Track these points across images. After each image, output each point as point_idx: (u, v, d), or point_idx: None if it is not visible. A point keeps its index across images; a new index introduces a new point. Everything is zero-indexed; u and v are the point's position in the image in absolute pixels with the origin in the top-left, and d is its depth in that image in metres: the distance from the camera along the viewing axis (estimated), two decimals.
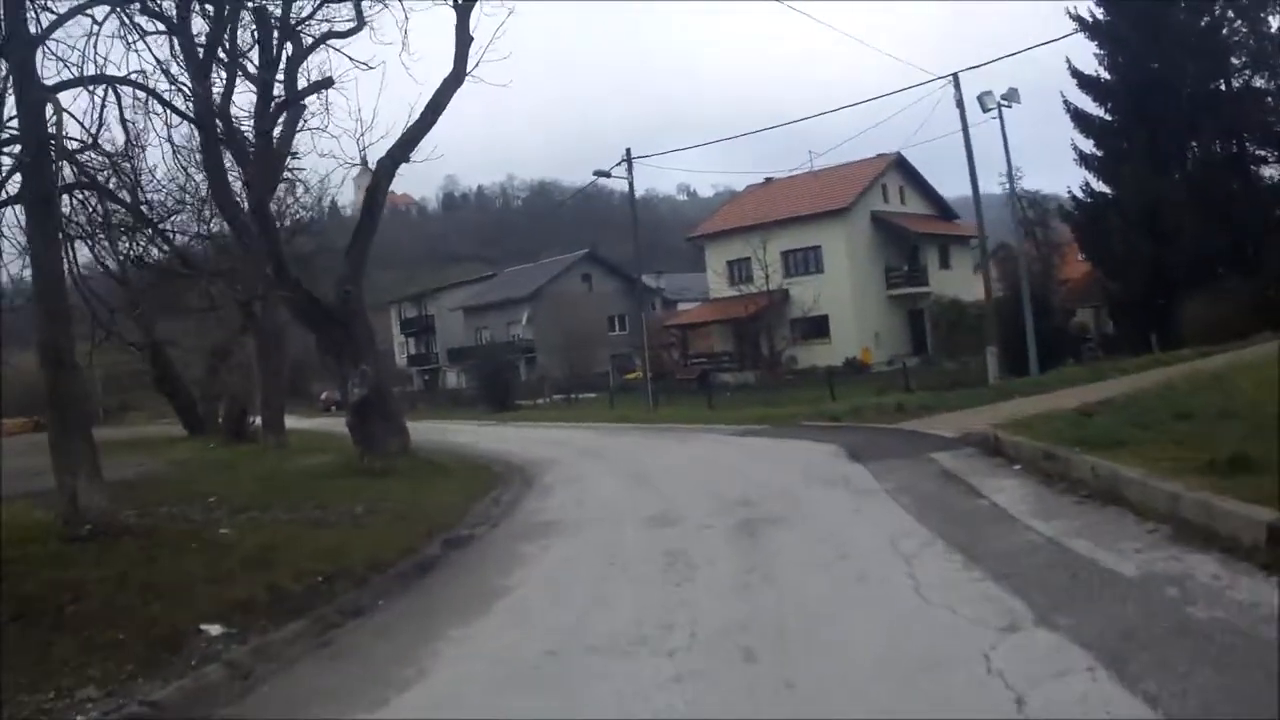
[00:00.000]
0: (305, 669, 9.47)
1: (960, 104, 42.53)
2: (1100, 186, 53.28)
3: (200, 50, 22.34)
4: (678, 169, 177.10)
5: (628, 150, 51.06)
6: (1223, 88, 51.45)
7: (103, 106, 17.75)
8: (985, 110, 42.27)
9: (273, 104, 26.01)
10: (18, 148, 16.20)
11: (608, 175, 50.76)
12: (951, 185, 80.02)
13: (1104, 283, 55.23)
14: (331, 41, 25.95)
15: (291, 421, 47.59)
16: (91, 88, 17.68)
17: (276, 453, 34.88)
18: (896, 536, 12.35)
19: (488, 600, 11.57)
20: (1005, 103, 42.30)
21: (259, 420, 43.56)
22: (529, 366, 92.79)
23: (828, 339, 70.56)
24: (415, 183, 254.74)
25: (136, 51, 25.65)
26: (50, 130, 15.09)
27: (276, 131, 26.08)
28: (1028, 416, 21.74)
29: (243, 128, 25.52)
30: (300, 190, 42.82)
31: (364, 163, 28.39)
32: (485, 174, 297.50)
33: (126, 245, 28.48)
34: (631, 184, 51.82)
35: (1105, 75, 52.58)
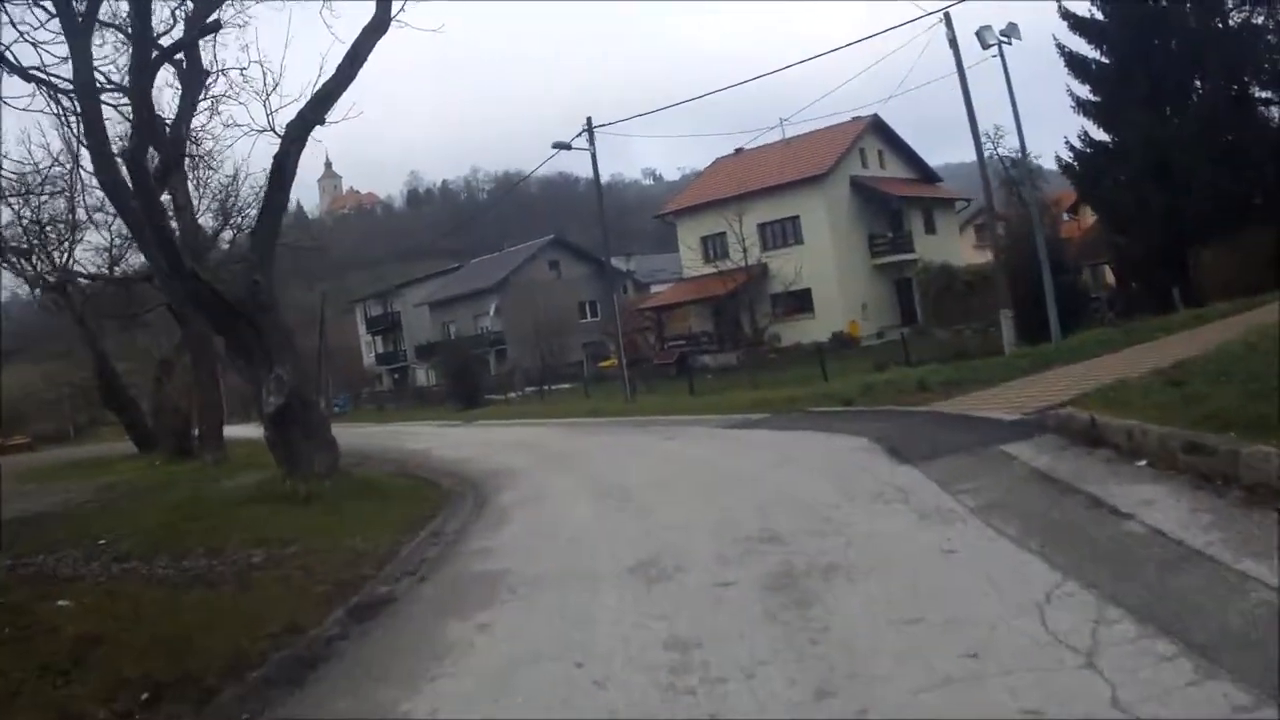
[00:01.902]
0: None
1: (954, 43, 38.23)
2: (1100, 135, 48.69)
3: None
4: (643, 137, 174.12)
5: (588, 119, 46.97)
6: (1219, 26, 46.78)
7: None
8: (986, 47, 37.93)
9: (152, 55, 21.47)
10: None
11: (568, 147, 46.35)
12: (932, 153, 76.69)
13: (1110, 237, 50.84)
14: None
15: (249, 431, 44.29)
16: None
17: (213, 470, 31.79)
18: (1037, 603, 7.63)
19: None
20: (1005, 38, 37.94)
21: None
22: (499, 359, 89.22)
23: (812, 314, 66.74)
24: (379, 181, 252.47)
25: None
26: None
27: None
28: (1100, 389, 17.44)
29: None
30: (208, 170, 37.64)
31: (271, 128, 24.00)
32: (449, 168, 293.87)
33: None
34: (594, 155, 47.22)
35: (1099, 15, 47.94)
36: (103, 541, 16.77)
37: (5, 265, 43.43)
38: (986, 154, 70.97)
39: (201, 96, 24.92)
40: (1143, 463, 11.75)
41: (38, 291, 48.58)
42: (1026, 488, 12.13)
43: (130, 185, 20.52)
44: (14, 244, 42.41)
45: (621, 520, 14.39)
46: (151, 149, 22.58)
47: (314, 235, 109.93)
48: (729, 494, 15.21)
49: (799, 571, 9.64)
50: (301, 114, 22.18)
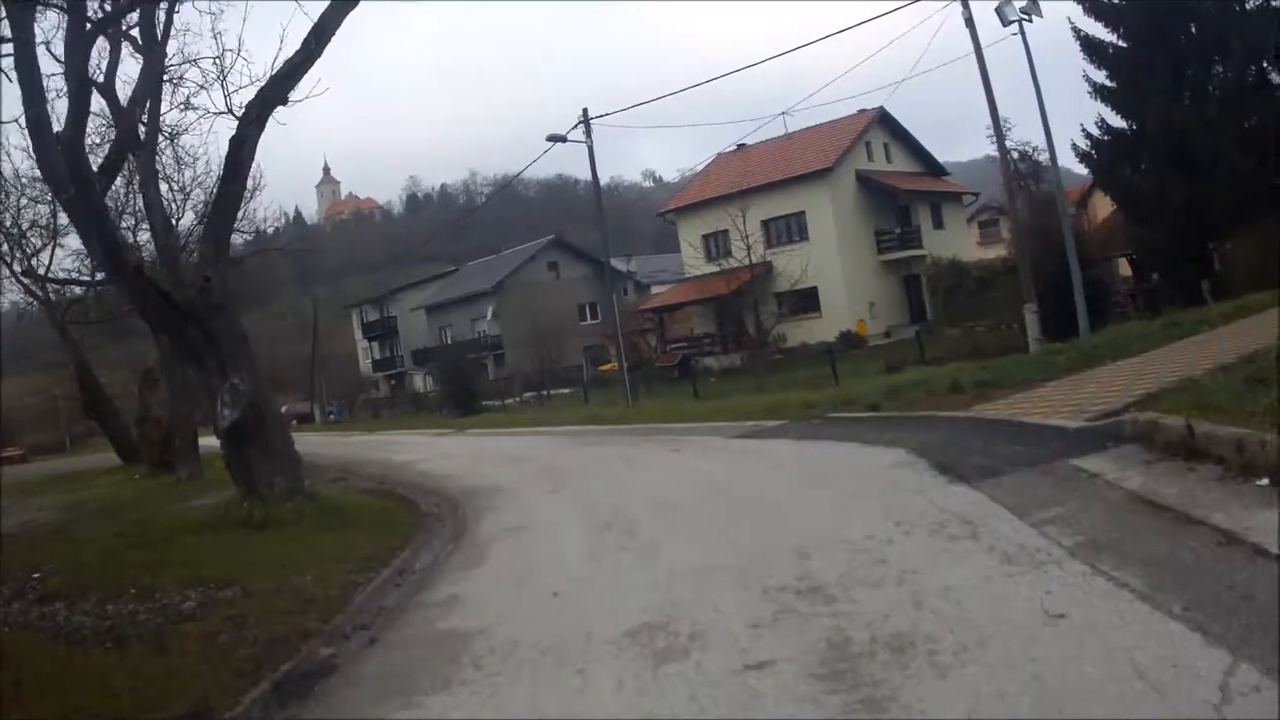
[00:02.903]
0: None
1: (970, 21, 36.16)
2: (1118, 122, 46.20)
3: None
4: (641, 129, 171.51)
5: (584, 110, 44.71)
6: (1239, 8, 44.36)
7: None
8: (1006, 24, 35.96)
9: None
10: None
11: (563, 139, 43.89)
12: (936, 152, 74.57)
13: (1130, 228, 48.41)
14: None
15: None
16: None
17: (185, 486, 29.97)
18: (1214, 704, 5.21)
19: None
20: (1025, 15, 36.05)
21: None
22: (497, 364, 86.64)
23: (818, 313, 64.49)
24: (378, 187, 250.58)
25: None
26: None
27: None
28: (1166, 389, 15.57)
29: None
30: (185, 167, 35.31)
31: (229, 110, 21.99)
32: (448, 173, 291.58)
33: None
34: (591, 149, 44.72)
35: None
36: (37, 575, 15.13)
37: None
38: (993, 147, 70.00)
39: (164, 78, 22.44)
40: (1264, 481, 9.22)
41: (20, 299, 46.41)
42: (1129, 518, 9.53)
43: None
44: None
45: (621, 561, 11.77)
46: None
47: (309, 240, 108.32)
48: (752, 525, 12.67)
49: (858, 647, 7.06)
50: (261, 93, 19.81)
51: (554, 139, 43.84)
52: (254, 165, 20.91)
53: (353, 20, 19.45)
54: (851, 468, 16.03)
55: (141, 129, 21.99)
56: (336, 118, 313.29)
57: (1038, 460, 13.15)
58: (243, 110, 19.99)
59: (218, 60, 25.11)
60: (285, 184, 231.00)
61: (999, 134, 39.60)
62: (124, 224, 38.69)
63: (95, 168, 20.59)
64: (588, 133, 43.93)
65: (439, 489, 22.66)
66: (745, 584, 9.48)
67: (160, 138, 24.59)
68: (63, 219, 37.84)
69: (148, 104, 21.47)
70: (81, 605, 12.82)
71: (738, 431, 24.67)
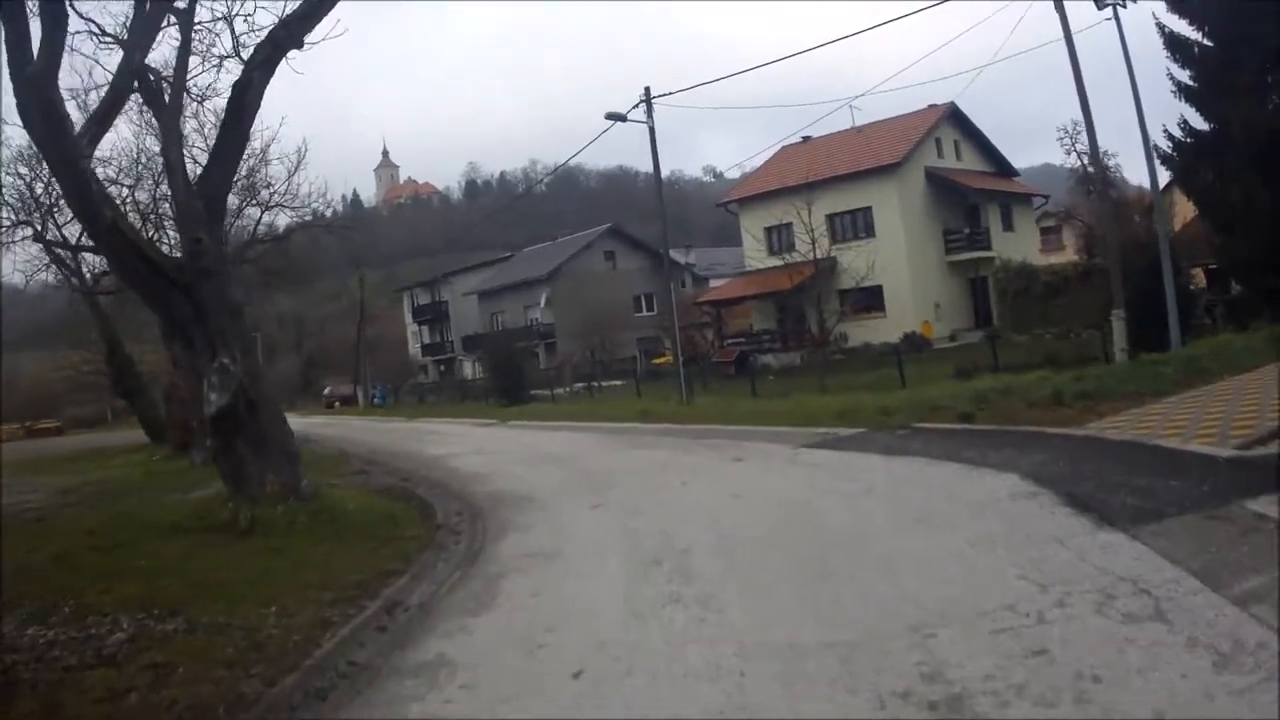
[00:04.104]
0: None
1: (1060, 6, 32.85)
2: (1201, 124, 42.92)
3: None
4: (703, 109, 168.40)
5: (646, 89, 41.50)
6: None
7: None
8: (1101, 7, 32.92)
9: None
10: None
11: (623, 118, 40.85)
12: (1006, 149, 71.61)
13: (1212, 236, 45.21)
14: None
15: None
16: None
17: (198, 471, 27.04)
18: None
19: None
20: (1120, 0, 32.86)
21: None
22: (548, 352, 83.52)
23: (882, 312, 60.89)
24: (437, 172, 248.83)
25: None
26: None
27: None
28: None
29: None
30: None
31: (236, 53, 19.34)
32: (508, 161, 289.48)
33: None
34: (653, 130, 41.69)
35: None
36: None
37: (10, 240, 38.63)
38: (1065, 151, 67.19)
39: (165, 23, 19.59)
40: None
41: (47, 273, 43.81)
42: None
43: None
44: (23, 218, 37.93)
45: (672, 624, 8.73)
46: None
47: (364, 223, 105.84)
48: (848, 578, 9.62)
49: None
50: (272, 35, 17.19)
51: (613, 117, 40.90)
52: (301, 141, 18.08)
53: (417, 11, 16.62)
54: (960, 497, 12.90)
55: (167, 90, 19.29)
56: (397, 103, 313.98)
57: (1201, 501, 10.37)
58: (253, 50, 17.39)
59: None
60: (343, 167, 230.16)
61: (1089, 126, 36.59)
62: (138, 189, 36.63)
63: (89, 113, 17.94)
64: (649, 112, 40.96)
65: (464, 492, 19.82)
66: (851, 683, 6.55)
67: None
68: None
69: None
70: (3, 625, 10.42)
71: (808, 440, 21.39)
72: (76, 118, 17.64)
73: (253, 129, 19.08)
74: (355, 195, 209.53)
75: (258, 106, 17.15)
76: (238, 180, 37.53)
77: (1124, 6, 33.11)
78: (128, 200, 35.94)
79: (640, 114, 41.08)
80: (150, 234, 33.26)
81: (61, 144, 15.38)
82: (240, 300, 17.59)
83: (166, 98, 19.08)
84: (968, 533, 10.76)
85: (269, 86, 17.13)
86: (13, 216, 37.76)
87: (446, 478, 22.96)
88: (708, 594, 9.47)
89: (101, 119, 17.83)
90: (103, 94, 19.12)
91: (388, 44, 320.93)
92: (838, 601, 8.73)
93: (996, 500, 12.27)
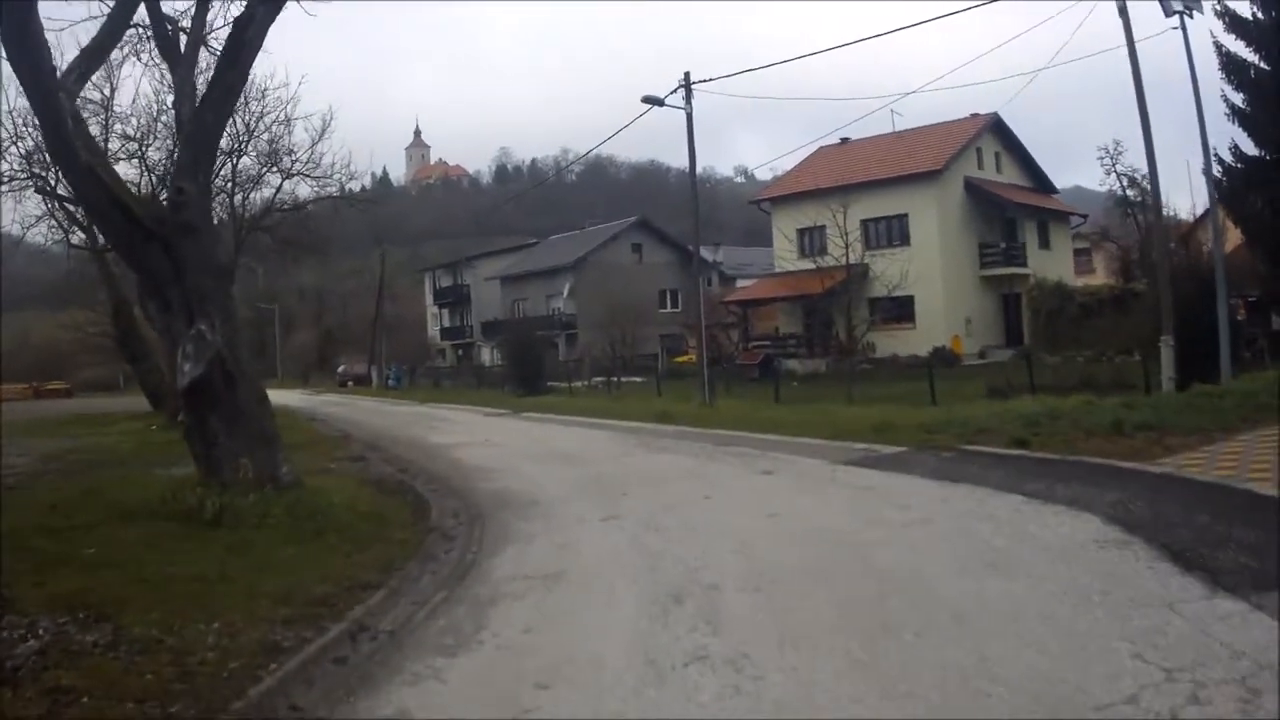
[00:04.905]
0: None
1: (1124, 11, 30.57)
2: (1252, 148, 41.02)
3: None
4: (741, 98, 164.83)
5: (686, 74, 39.92)
6: None
7: None
8: (1169, 14, 30.42)
9: None
10: None
11: (660, 103, 39.12)
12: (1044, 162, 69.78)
13: (1258, 265, 43.39)
14: None
15: (286, 397, 37.44)
16: None
17: (185, 446, 24.73)
18: None
19: None
20: (1188, 9, 30.83)
21: None
22: (569, 343, 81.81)
23: (912, 324, 59.02)
24: (469, 155, 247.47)
25: None
26: None
27: None
28: None
29: None
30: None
31: None
32: (540, 148, 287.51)
33: None
34: (690, 116, 40.02)
35: (1259, 14, 40.38)
36: None
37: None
38: (1105, 171, 65.43)
39: None
40: None
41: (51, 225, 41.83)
42: None
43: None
44: (38, 172, 36.07)
45: (698, 689, 6.90)
46: None
47: (386, 198, 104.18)
48: (914, 639, 7.73)
49: None
50: None
51: (650, 101, 39.12)
52: (327, 109, 16.27)
53: None
54: (1035, 538, 10.99)
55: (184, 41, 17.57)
56: (431, 84, 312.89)
57: None
58: None
59: None
60: (374, 143, 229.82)
61: (1148, 140, 33.67)
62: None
63: (80, 47, 16.14)
64: (688, 98, 39.37)
65: (465, 489, 18.09)
66: None
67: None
68: (114, 143, 33.71)
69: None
70: None
71: (845, 456, 19.38)
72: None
73: (277, 94, 17.33)
74: (385, 173, 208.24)
75: (259, 46, 15.34)
76: (254, 142, 35.99)
77: (1191, 16, 31.10)
78: (139, 158, 34.45)
79: (677, 100, 39.47)
80: (157, 192, 31.43)
81: (38, 73, 13.61)
82: (225, 261, 15.66)
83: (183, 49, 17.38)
84: (1054, 585, 8.92)
85: (305, 57, 15.38)
86: (16, 167, 35.85)
87: (448, 470, 21.30)
88: (741, 650, 7.58)
89: (93, 54, 16.07)
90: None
91: (426, 25, 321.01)
92: (905, 670, 6.92)
93: (1080, 546, 10.40)
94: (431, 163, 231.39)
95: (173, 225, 14.18)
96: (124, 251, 15.77)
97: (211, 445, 14.33)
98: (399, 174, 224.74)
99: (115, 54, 25.60)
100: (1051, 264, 63.88)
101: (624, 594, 9.75)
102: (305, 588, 10.00)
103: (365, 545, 12.38)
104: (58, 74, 14.38)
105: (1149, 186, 58.98)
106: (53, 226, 40.16)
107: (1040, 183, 69.41)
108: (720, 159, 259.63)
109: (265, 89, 35.08)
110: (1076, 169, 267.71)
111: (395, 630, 8.99)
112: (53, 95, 13.68)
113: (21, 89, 14.56)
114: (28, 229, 38.38)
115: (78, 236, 40.65)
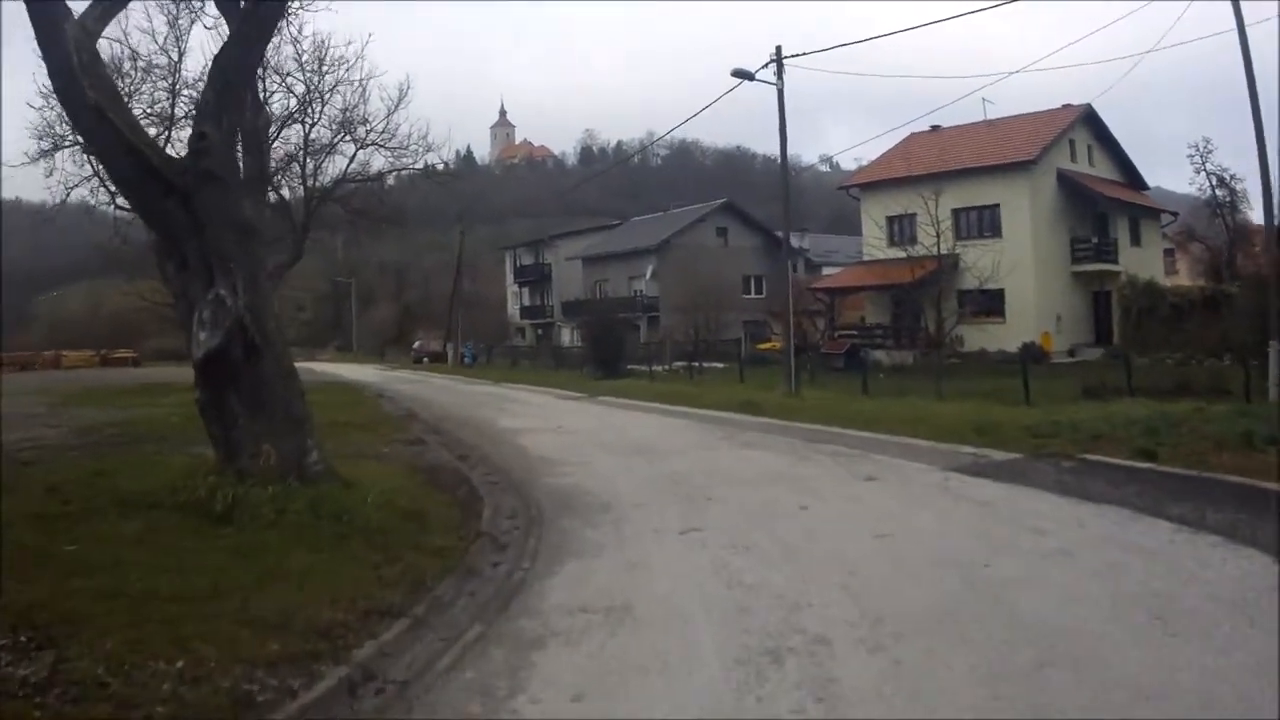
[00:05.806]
0: None
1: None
2: None
3: None
4: (831, 73, 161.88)
5: (777, 49, 38.02)
6: None
7: None
8: None
9: None
10: None
11: (750, 77, 37.32)
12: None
13: None
14: None
15: (359, 372, 35.93)
16: None
17: None
18: None
19: None
20: None
21: None
22: (650, 326, 79.92)
23: (1002, 318, 56.72)
24: (554, 136, 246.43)
25: None
26: None
27: None
28: None
29: None
30: None
31: None
32: (625, 130, 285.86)
33: None
34: (781, 92, 38.19)
35: None
36: None
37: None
38: (1195, 170, 63.14)
39: None
40: None
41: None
42: None
43: None
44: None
45: None
46: None
47: (469, 176, 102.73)
48: None
49: None
50: None
51: (740, 74, 37.23)
52: (405, 78, 14.29)
53: None
54: (1203, 585, 8.78)
55: None
56: (517, 66, 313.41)
57: None
58: None
59: None
60: (460, 120, 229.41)
61: (1259, 132, 31.45)
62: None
63: None
64: (779, 73, 37.68)
65: (527, 483, 16.23)
66: None
67: None
68: (180, 108, 31.84)
69: None
70: None
71: (953, 461, 17.19)
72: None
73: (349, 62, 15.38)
74: (469, 151, 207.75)
75: None
76: (326, 109, 34.33)
77: None
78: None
79: (768, 75, 37.86)
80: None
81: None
82: (252, 219, 13.64)
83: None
84: (1243, 654, 6.89)
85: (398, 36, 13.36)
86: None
87: (512, 460, 19.47)
88: None
89: None
90: None
91: (516, 6, 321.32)
92: None
93: (1260, 595, 8.33)
94: (516, 142, 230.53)
95: (193, 176, 12.30)
96: (140, 206, 13.97)
97: (230, 427, 12.53)
98: (483, 153, 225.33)
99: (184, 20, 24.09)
100: (1143, 262, 61.49)
101: (706, 645, 7.69)
102: (309, 612, 8.15)
103: (396, 554, 10.41)
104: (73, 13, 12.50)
105: (1239, 188, 57.18)
106: (95, 189, 38.15)
107: (1132, 178, 67.15)
108: (806, 147, 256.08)
109: (342, 56, 33.44)
110: (1156, 169, 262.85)
111: (409, 681, 7.10)
112: (57, 26, 11.82)
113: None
114: (71, 189, 36.00)
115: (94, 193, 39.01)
